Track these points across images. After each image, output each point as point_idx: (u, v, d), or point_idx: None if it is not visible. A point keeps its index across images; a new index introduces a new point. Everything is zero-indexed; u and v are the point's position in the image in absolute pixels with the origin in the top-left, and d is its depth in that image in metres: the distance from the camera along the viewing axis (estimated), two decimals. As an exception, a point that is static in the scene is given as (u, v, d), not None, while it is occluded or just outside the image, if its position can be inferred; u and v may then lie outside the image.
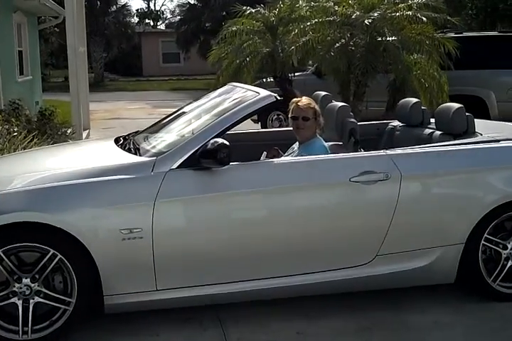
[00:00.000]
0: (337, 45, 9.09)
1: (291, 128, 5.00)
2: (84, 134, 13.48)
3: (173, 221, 4.15)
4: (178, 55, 38.57)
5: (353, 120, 5.17)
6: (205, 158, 4.11)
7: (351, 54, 9.08)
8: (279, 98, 4.43)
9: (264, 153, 4.97)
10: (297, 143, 5.00)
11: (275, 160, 4.64)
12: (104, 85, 31.92)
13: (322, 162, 4.49)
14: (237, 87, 5.07)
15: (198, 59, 31.91)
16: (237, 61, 10.07)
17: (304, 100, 4.93)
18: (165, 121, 5.39)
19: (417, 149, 4.65)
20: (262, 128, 13.48)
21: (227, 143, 4.10)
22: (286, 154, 5.05)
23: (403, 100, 5.84)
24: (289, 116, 4.96)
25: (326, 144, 4.89)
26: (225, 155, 4.07)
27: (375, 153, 4.58)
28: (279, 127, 13.09)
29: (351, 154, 4.66)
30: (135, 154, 4.50)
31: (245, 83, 10.20)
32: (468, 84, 11.12)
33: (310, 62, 10.98)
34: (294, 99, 4.98)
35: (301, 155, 4.71)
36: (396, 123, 5.84)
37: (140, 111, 19.45)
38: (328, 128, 5.06)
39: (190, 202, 4.15)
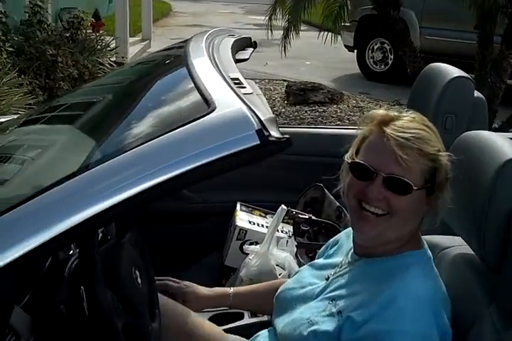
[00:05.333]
0: None
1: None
2: (138, 47, 10.48)
3: None
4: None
5: None
6: None
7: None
8: (280, 136, 1.30)
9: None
10: (350, 242, 1.80)
11: None
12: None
13: None
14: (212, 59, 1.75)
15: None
16: None
17: (406, 119, 1.61)
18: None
19: None
20: (358, 61, 9.75)
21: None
22: (319, 257, 1.91)
23: None
24: (348, 160, 1.66)
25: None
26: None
27: None
28: (381, 62, 9.48)
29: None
30: None
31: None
32: None
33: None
34: (375, 113, 1.64)
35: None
36: None
37: (228, 18, 16.40)
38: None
39: None
